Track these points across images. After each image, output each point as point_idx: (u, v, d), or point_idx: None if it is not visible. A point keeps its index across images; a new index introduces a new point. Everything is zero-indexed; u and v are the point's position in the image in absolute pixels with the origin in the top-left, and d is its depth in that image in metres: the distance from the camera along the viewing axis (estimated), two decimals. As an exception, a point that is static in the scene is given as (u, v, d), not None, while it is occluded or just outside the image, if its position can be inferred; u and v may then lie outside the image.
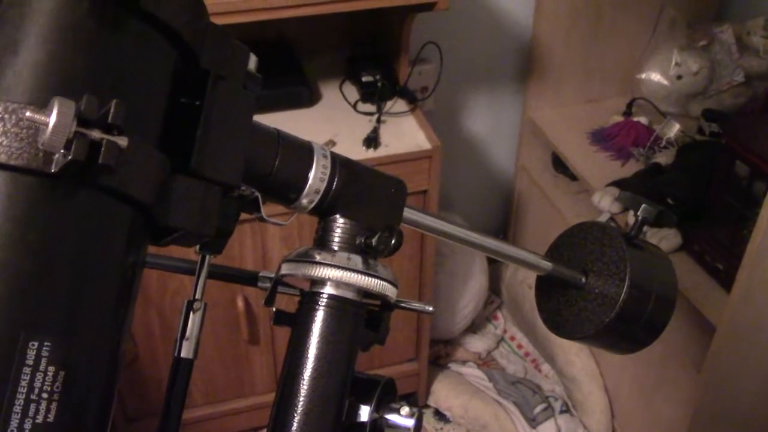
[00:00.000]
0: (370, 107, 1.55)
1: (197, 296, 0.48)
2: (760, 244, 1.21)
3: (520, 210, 2.16)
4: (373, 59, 1.62)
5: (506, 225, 2.26)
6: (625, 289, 0.60)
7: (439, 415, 1.94)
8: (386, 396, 0.51)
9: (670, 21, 1.79)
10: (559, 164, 1.90)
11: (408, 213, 0.52)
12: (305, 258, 0.48)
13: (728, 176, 1.39)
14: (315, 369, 0.47)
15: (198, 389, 1.69)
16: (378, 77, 1.56)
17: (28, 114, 0.32)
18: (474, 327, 2.10)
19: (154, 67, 0.38)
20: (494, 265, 2.11)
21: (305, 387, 0.47)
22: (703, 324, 1.42)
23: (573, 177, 1.85)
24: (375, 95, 1.54)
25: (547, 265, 0.61)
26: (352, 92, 1.59)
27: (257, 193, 0.46)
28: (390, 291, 0.50)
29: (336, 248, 0.49)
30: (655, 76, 1.79)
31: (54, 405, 0.33)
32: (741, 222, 1.38)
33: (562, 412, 1.89)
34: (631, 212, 0.66)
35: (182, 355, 0.46)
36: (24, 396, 0.32)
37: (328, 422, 0.47)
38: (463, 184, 2.13)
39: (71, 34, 0.35)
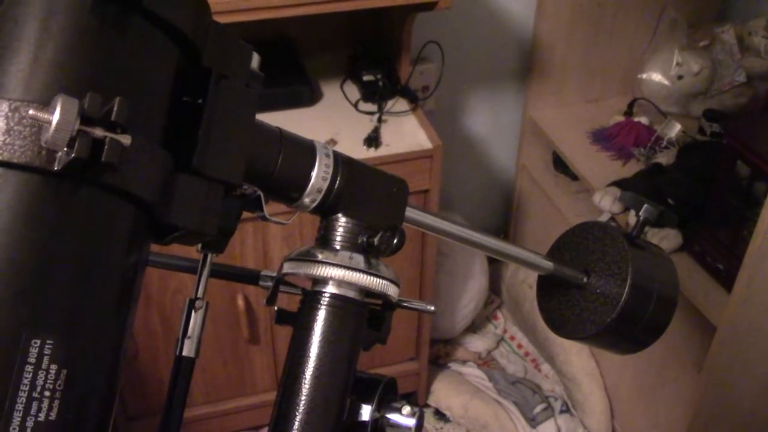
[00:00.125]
0: (371, 106, 1.55)
1: (199, 295, 0.48)
2: (760, 244, 1.21)
3: (521, 209, 2.16)
4: (374, 58, 1.62)
5: (507, 224, 2.26)
6: (626, 290, 0.60)
7: (439, 414, 1.94)
8: (387, 395, 0.51)
9: (671, 21, 1.79)
10: (560, 164, 1.90)
11: (410, 212, 0.52)
12: (307, 257, 0.48)
13: (729, 176, 1.39)
14: (317, 368, 0.47)
15: (198, 388, 1.69)
16: (379, 76, 1.56)
17: (31, 112, 0.32)
18: (474, 327, 2.10)
19: (157, 65, 0.38)
20: (494, 264, 2.11)
21: (307, 386, 0.47)
22: (704, 324, 1.42)
23: (574, 177, 1.85)
24: (376, 94, 1.54)
25: (549, 264, 0.61)
26: (353, 91, 1.59)
27: (259, 192, 0.46)
28: (392, 290, 0.50)
29: (338, 247, 0.49)
30: (656, 76, 1.79)
31: (56, 403, 0.33)
32: (742, 222, 1.38)
33: (562, 412, 1.90)
34: (632, 212, 0.66)
35: (184, 353, 0.46)
36: (26, 394, 0.32)
37: (330, 421, 0.47)
38: (463, 184, 2.13)
39: (74, 32, 0.35)
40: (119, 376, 0.38)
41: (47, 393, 0.33)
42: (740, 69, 1.74)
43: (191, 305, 0.47)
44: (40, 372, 0.33)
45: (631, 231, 0.64)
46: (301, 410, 0.46)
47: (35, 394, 0.32)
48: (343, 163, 0.49)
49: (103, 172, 0.34)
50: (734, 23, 1.78)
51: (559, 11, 1.81)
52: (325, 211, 0.49)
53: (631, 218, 1.50)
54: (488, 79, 1.98)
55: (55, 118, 0.31)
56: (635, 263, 0.61)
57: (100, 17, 0.35)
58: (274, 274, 0.52)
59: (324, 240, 0.49)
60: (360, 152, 1.43)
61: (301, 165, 0.47)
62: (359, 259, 0.48)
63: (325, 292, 0.48)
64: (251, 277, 0.56)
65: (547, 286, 0.66)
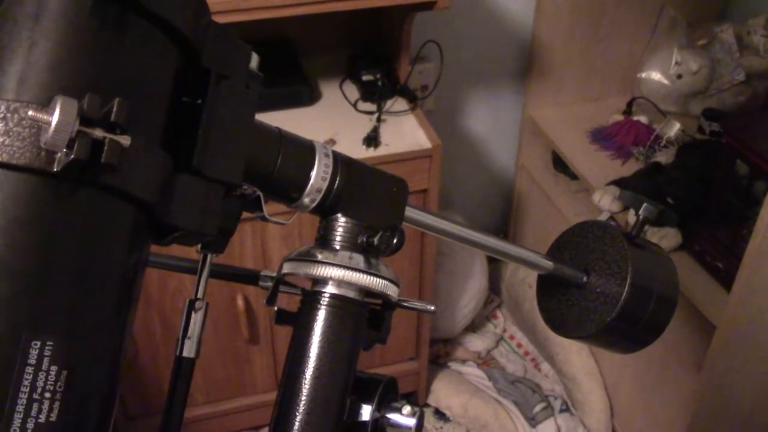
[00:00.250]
0: (370, 106, 1.55)
1: (199, 295, 0.48)
2: (760, 243, 1.21)
3: (520, 209, 2.16)
4: (373, 58, 1.62)
5: (506, 224, 2.26)
6: (626, 289, 0.60)
7: (439, 414, 1.94)
8: (388, 395, 0.51)
9: (670, 20, 1.79)
10: (560, 163, 1.90)
11: (409, 212, 0.52)
12: (307, 257, 0.48)
13: (728, 175, 1.39)
14: (317, 368, 0.47)
15: (198, 388, 1.69)
16: (378, 76, 1.56)
17: (30, 113, 0.32)
18: (474, 326, 2.10)
19: (156, 65, 0.38)
20: (494, 264, 2.11)
21: (307, 386, 0.47)
22: (703, 324, 1.42)
23: (573, 176, 1.85)
24: (375, 94, 1.54)
25: (549, 264, 0.61)
26: (352, 91, 1.59)
27: (259, 192, 0.46)
28: (392, 290, 0.50)
29: (338, 247, 0.49)
30: (656, 75, 1.79)
31: (56, 404, 0.33)
32: (741, 221, 1.38)
33: (561, 411, 1.90)
34: (632, 211, 0.66)
35: (184, 354, 0.46)
36: (26, 395, 0.32)
37: (330, 421, 0.47)
38: (463, 183, 2.13)
39: (73, 33, 0.35)
40: (119, 377, 0.38)
41: (48, 394, 0.33)
42: (739, 68, 1.74)
43: (191, 306, 0.47)
44: (40, 373, 0.33)
45: (631, 230, 0.64)
46: (301, 410, 0.46)
47: (36, 396, 0.32)
48: (342, 163, 0.49)
49: (102, 173, 0.34)
50: (733, 22, 1.78)
51: (558, 10, 1.81)
52: (325, 211, 0.49)
53: (631, 217, 1.50)
54: (487, 79, 1.98)
55: (55, 119, 0.31)
56: (635, 262, 0.61)
57: (100, 18, 0.35)
58: (274, 275, 0.52)
59: (324, 240, 0.49)
60: (359, 152, 1.43)
61: (301, 165, 0.47)
62: (359, 259, 0.48)
63: (324, 292, 0.48)
64: (251, 278, 0.56)
65: (547, 286, 0.66)
